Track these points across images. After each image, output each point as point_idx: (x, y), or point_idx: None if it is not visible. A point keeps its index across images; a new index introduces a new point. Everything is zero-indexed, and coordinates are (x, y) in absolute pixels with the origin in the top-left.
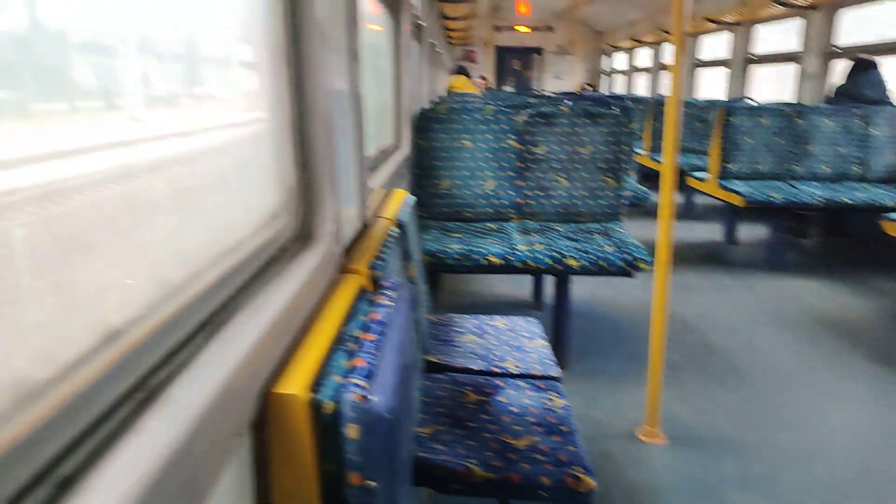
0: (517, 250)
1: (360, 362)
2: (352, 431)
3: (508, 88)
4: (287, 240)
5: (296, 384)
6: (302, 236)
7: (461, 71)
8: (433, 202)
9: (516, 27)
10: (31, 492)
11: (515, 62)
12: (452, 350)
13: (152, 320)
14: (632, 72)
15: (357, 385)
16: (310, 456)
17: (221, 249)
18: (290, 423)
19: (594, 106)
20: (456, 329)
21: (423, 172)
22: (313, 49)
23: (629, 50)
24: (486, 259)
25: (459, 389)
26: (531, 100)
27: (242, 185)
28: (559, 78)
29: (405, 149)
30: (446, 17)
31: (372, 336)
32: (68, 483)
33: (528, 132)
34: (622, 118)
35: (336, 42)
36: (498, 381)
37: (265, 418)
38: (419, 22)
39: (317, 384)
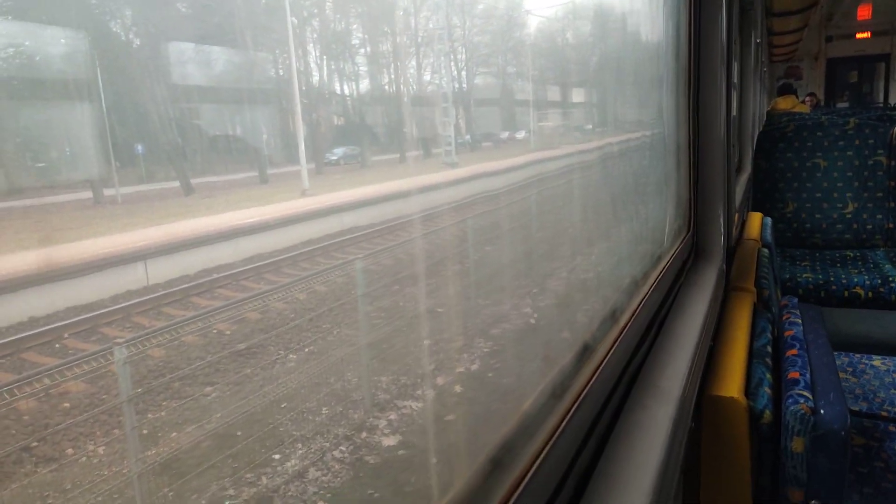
0: (892, 282)
1: (795, 375)
2: (797, 445)
3: (843, 104)
4: (686, 253)
5: (730, 389)
6: (696, 251)
7: (787, 89)
8: (775, 227)
9: (858, 35)
10: (589, 438)
11: (852, 74)
12: None
13: (626, 316)
14: None
15: (801, 396)
16: (745, 464)
17: (648, 259)
18: (726, 426)
19: None
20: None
21: (764, 195)
22: (711, 73)
23: None
24: (851, 291)
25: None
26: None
27: (652, 198)
28: None
29: (748, 170)
30: (772, 33)
31: (794, 351)
32: (606, 438)
33: None
34: None
35: (721, 68)
36: (891, 427)
37: (699, 419)
38: (757, 41)
39: (748, 394)
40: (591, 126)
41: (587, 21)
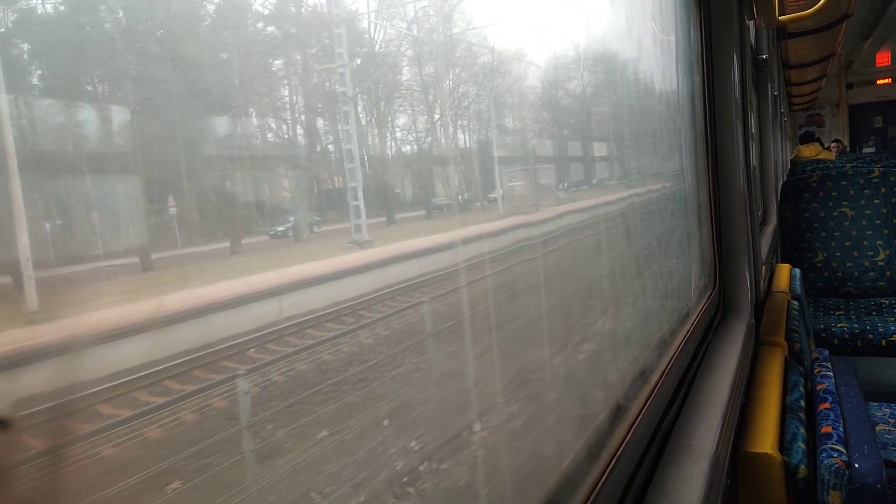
0: None
1: (828, 429)
2: (834, 499)
3: (868, 150)
4: (713, 310)
5: (764, 446)
6: (723, 307)
7: (809, 137)
8: (806, 277)
9: (879, 81)
10: (625, 497)
11: (876, 120)
12: None
13: (658, 371)
14: None
15: (835, 450)
16: None
17: (676, 316)
18: (761, 482)
19: None
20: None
21: (792, 246)
22: (728, 126)
23: None
24: (888, 339)
25: (889, 485)
26: None
27: (674, 257)
28: None
29: (773, 221)
30: (790, 84)
31: (826, 405)
32: (642, 496)
33: None
34: None
35: (737, 121)
36: None
37: (734, 476)
38: (774, 93)
39: (782, 449)
40: (578, 180)
41: (598, 74)
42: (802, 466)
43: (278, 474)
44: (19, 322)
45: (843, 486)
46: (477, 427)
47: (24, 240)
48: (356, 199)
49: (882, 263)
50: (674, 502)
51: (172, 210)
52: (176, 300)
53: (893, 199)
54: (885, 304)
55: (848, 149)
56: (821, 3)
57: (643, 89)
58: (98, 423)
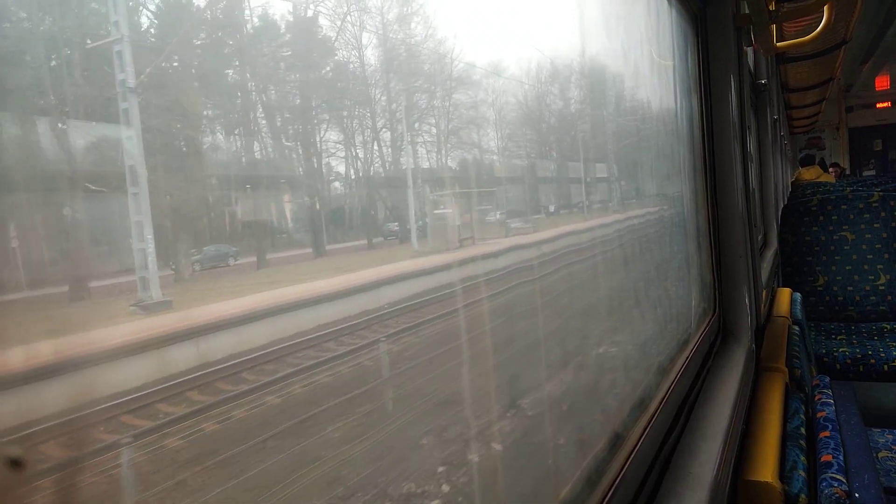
0: None
1: (828, 458)
2: None
3: (869, 173)
4: (712, 335)
5: (764, 474)
6: (723, 332)
7: (809, 160)
8: (807, 301)
9: (878, 105)
10: None
11: (876, 143)
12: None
13: (657, 398)
14: None
15: (835, 479)
16: None
17: (676, 342)
18: None
19: None
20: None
21: (793, 270)
22: (726, 150)
23: None
24: (890, 364)
25: None
26: None
27: (673, 281)
28: None
29: (773, 245)
30: (790, 107)
31: (826, 433)
32: None
33: None
34: None
35: (735, 144)
36: None
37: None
38: (774, 116)
39: (782, 477)
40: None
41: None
42: (803, 495)
43: None
44: None
45: None
46: None
47: None
48: (142, 240)
49: (883, 288)
50: None
51: (14, 244)
52: None
53: (893, 224)
54: (886, 328)
55: (847, 172)
56: (818, 30)
57: (639, 112)
58: None
